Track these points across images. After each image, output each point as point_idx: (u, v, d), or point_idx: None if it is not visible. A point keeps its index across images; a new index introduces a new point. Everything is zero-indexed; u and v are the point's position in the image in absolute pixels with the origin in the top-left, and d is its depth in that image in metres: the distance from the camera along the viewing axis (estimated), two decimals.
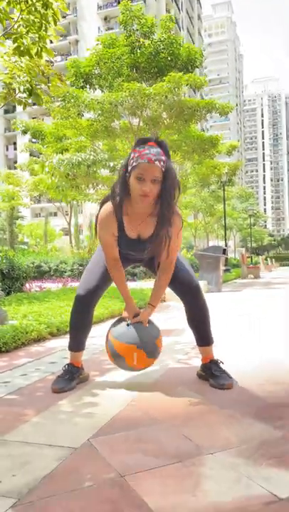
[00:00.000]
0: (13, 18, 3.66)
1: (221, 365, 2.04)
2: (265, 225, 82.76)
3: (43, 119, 22.25)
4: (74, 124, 12.23)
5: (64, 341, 3.01)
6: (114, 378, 2.13)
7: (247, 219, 37.91)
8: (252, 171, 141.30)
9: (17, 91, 4.11)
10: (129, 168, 1.79)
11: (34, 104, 4.29)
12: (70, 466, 1.22)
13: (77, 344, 2.05)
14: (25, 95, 4.02)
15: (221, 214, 23.39)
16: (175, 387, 1.95)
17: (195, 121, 12.30)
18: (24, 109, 4.26)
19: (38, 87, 4.11)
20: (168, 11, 41.86)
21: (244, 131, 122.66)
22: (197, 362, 2.20)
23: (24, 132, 15.38)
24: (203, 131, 28.55)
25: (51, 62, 4.33)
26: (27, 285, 6.74)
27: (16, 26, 3.69)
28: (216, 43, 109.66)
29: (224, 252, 9.41)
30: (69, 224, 23.53)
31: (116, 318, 2.09)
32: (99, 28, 43.79)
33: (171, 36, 11.88)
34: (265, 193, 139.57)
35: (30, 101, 4.18)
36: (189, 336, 2.31)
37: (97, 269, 2.02)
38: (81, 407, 1.71)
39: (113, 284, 2.08)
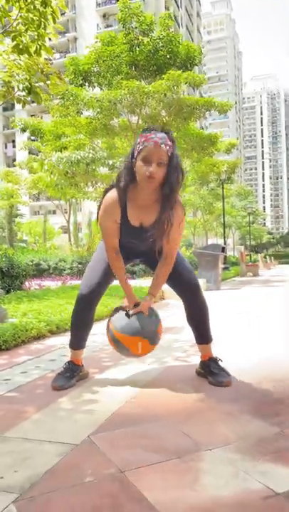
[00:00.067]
0: (12, 16, 3.67)
1: (219, 362, 2.06)
2: (264, 223, 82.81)
3: (41, 117, 22.16)
4: (73, 122, 12.21)
5: (63, 339, 3.03)
6: (114, 375, 2.15)
7: (246, 217, 37.93)
8: (251, 169, 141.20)
9: (16, 89, 4.12)
10: (135, 153, 1.80)
11: (33, 102, 4.28)
12: (70, 462, 1.23)
13: (78, 342, 2.06)
14: (24, 93, 4.02)
15: (220, 212, 23.38)
16: (174, 385, 1.96)
17: (194, 119, 12.28)
18: (23, 107, 4.26)
19: (37, 85, 4.12)
20: (167, 8, 41.74)
21: (243, 128, 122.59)
22: (196, 359, 2.22)
23: (23, 130, 15.36)
24: (202, 129, 28.49)
25: (50, 60, 4.33)
26: (26, 283, 6.76)
27: (14, 24, 3.69)
28: (215, 40, 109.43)
29: (223, 250, 9.41)
30: (68, 222, 23.52)
31: (115, 307, 2.10)
32: (98, 26, 43.68)
33: (170, 34, 11.84)
34: (264, 191, 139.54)
35: (29, 99, 4.18)
36: (188, 334, 2.33)
37: (98, 266, 2.03)
38: (81, 404, 1.73)
39: (113, 282, 2.09)
